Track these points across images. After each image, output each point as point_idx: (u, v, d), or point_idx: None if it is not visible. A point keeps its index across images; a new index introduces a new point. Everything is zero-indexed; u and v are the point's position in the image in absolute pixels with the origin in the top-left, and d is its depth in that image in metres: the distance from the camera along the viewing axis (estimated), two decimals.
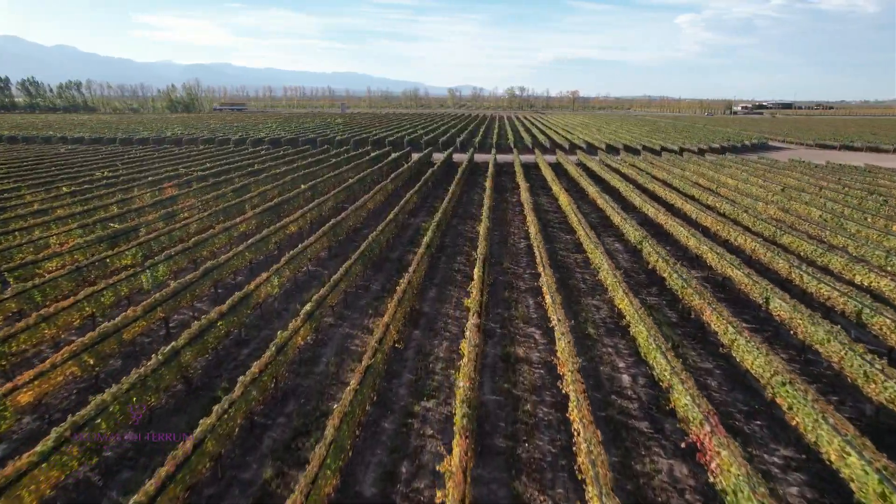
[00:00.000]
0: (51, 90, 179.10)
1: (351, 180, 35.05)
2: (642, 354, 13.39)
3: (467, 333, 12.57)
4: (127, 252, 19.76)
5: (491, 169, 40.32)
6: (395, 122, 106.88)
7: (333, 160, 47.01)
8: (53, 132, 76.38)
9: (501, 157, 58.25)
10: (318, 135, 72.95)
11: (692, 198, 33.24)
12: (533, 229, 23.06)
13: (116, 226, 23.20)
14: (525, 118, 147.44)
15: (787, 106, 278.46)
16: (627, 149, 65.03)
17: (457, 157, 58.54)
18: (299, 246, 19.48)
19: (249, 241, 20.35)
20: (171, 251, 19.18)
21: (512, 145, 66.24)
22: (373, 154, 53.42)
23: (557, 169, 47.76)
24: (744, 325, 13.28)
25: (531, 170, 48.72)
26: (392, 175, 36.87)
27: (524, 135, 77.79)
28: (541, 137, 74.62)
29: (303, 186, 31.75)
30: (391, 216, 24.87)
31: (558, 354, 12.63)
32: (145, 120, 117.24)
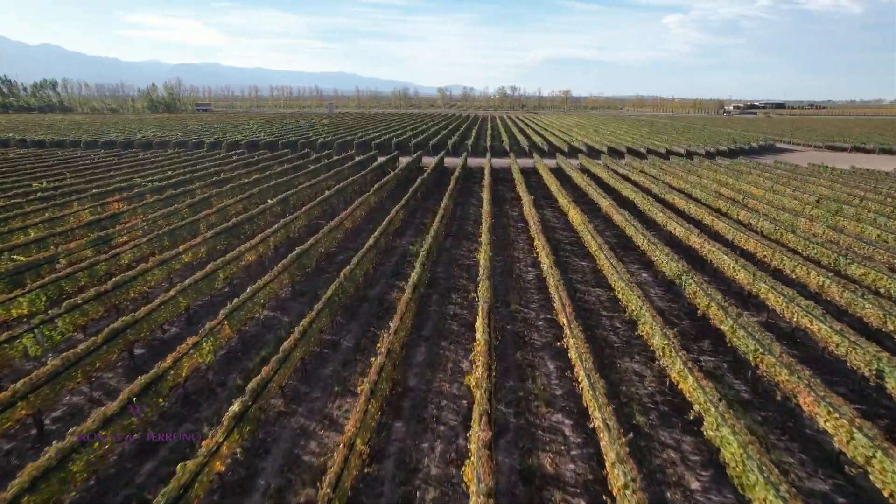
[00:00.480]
0: (25, 90, 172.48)
1: (329, 192, 30.55)
2: (729, 473, 9.08)
3: (472, 447, 8.27)
4: (23, 297, 15.18)
5: (487, 177, 36.02)
6: (383, 123, 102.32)
7: (312, 167, 42.45)
8: (15, 134, 71.04)
9: (497, 162, 53.95)
10: (301, 137, 68.25)
11: (720, 212, 29.05)
12: (545, 258, 18.78)
13: (21, 258, 18.52)
14: (518, 118, 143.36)
15: (780, 105, 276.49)
16: (631, 151, 60.96)
17: (448, 161, 54.19)
18: (248, 290, 15.00)
19: (187, 281, 15.85)
20: (79, 298, 14.65)
21: (508, 148, 61.94)
22: (357, 159, 48.93)
23: (560, 175, 43.52)
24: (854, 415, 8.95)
25: (531, 176, 44.44)
26: (376, 185, 32.45)
27: (519, 137, 73.54)
28: (537, 139, 70.40)
29: (271, 201, 27.21)
30: (372, 239, 20.51)
31: (608, 478, 8.37)
32: (121, 121, 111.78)
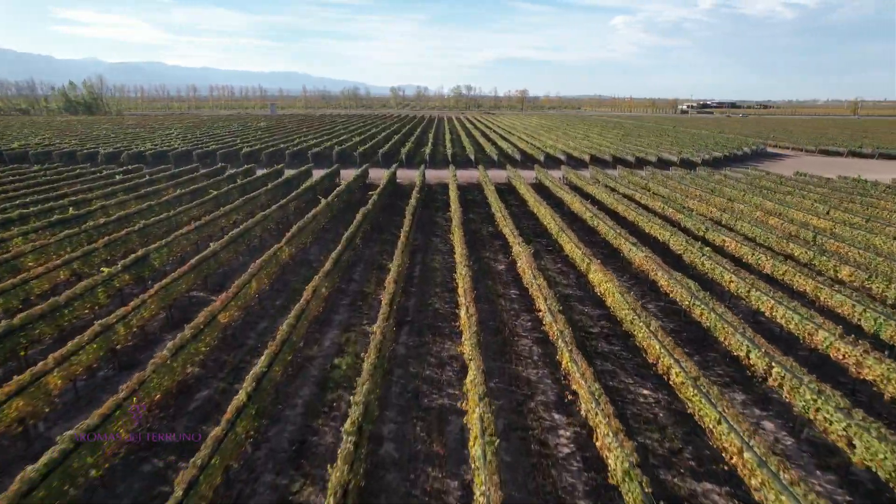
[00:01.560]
0: None
1: (216, 245, 19.80)
2: None
3: None
4: None
5: (455, 205, 26.20)
6: (328, 127, 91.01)
7: (215, 192, 31.50)
8: None
9: (462, 175, 44.16)
10: (223, 146, 56.66)
11: (808, 267, 19.99)
12: (581, 387, 9.18)
13: None
14: (476, 119, 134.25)
15: (734, 105, 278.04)
16: (618, 160, 52.27)
17: (403, 175, 44.06)
18: None
19: None
20: None
21: (473, 158, 52.18)
22: (286, 175, 38.30)
23: (546, 195, 34.11)
24: None
25: (508, 198, 34.90)
26: (298, 224, 22.13)
27: (483, 142, 63.95)
28: (505, 146, 60.97)
29: (106, 271, 16.35)
30: (264, 364, 10.30)
31: None
32: (16, 123, 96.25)
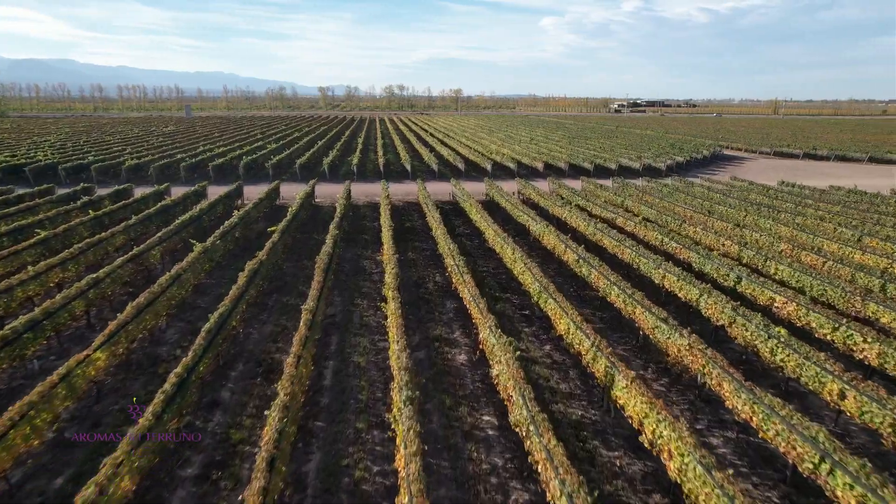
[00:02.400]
0: None
1: None
2: None
3: None
4: None
5: (388, 240, 18.68)
6: (244, 131, 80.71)
7: (42, 231, 22.34)
8: None
9: (397, 190, 36.53)
10: (108, 156, 46.43)
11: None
12: None
13: None
14: (410, 121, 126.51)
15: (663, 104, 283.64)
16: (574, 168, 46.13)
17: (325, 190, 35.94)
18: None
19: None
20: None
21: (409, 167, 44.54)
22: (171, 198, 29.31)
23: (505, 220, 27.10)
24: None
25: (457, 224, 27.61)
26: (143, 298, 13.96)
27: (419, 148, 56.35)
28: (444, 152, 53.63)
29: None
30: None
31: None
32: None
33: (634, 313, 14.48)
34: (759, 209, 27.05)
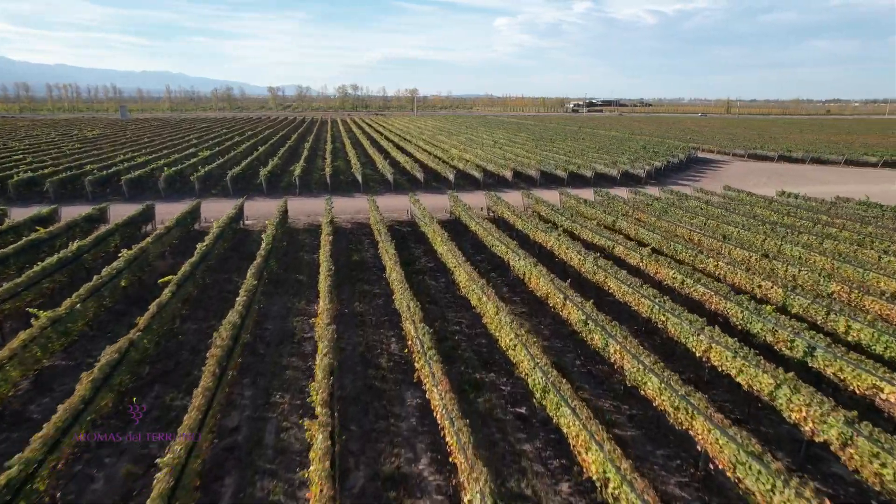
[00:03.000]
0: None
1: None
2: None
3: None
4: None
5: (325, 295, 13.47)
6: (181, 135, 72.94)
7: None
8: None
9: (345, 206, 31.01)
10: None
11: None
12: None
13: None
14: (364, 122, 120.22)
15: (619, 104, 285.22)
16: (546, 176, 41.48)
17: (258, 209, 29.96)
18: None
19: None
20: None
21: (360, 178, 38.90)
22: (58, 224, 22.82)
23: (477, 248, 21.96)
24: None
25: (420, 258, 22.21)
26: None
27: (373, 154, 50.65)
28: (401, 159, 48.10)
29: None
30: None
31: None
32: None
33: (693, 426, 9.50)
34: (775, 229, 22.79)
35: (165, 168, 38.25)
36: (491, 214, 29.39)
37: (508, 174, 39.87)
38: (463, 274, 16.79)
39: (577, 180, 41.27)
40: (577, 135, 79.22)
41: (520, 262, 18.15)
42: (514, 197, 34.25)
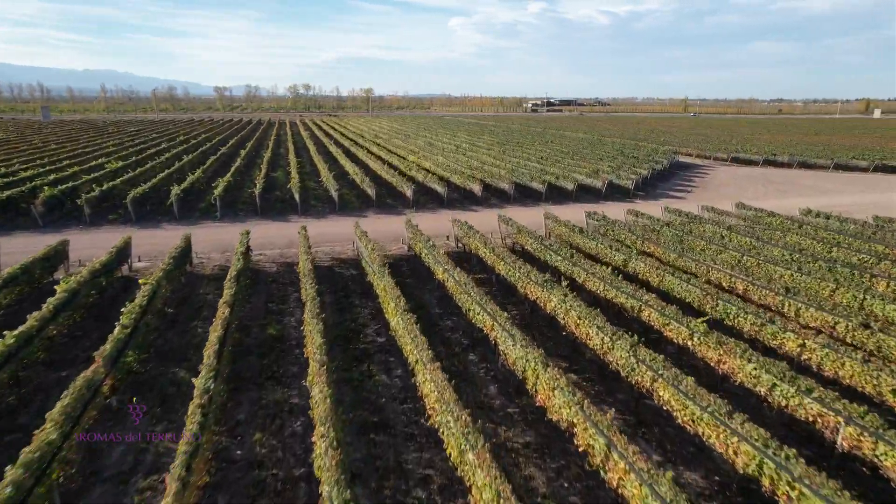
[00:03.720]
0: None
1: None
2: None
3: None
4: None
5: (322, 410, 6.36)
6: (99, 141, 63.83)
7: None
8: None
9: (271, 236, 24.04)
10: None
11: None
12: None
13: None
14: (315, 123, 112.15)
15: (579, 104, 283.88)
16: (522, 189, 35.48)
17: (156, 243, 22.61)
18: None
19: None
20: None
21: (297, 196, 31.85)
22: None
23: (450, 311, 15.63)
24: None
25: (356, 320, 15.52)
26: None
27: (318, 163, 43.53)
28: (350, 169, 41.13)
29: None
30: None
31: None
32: None
33: None
34: (834, 269, 17.24)
35: (46, 188, 30.23)
36: (460, 247, 23.02)
37: (476, 188, 33.57)
38: (426, 379, 10.32)
39: (556, 194, 35.41)
40: (544, 136, 73.83)
41: (516, 352, 11.79)
42: (486, 218, 28.10)
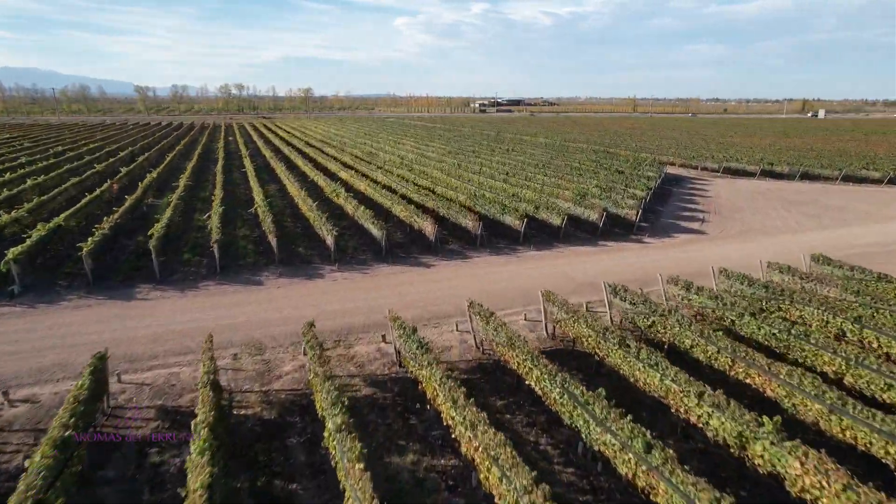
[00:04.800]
0: None
1: None
2: None
3: None
4: None
5: None
6: None
7: None
8: None
9: (136, 341, 12.91)
10: None
11: None
12: None
13: None
14: (244, 127, 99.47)
15: (528, 104, 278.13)
16: (490, 224, 25.67)
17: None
18: None
19: None
20: None
21: (216, 255, 20.86)
22: None
23: None
24: None
25: None
26: None
27: (217, 186, 32.44)
28: (259, 198, 30.26)
29: None
30: None
31: None
32: None
33: None
34: None
35: None
36: (485, 355, 12.93)
37: (430, 228, 23.55)
38: None
39: (537, 229, 25.96)
40: (501, 142, 64.57)
41: None
42: (448, 277, 18.37)
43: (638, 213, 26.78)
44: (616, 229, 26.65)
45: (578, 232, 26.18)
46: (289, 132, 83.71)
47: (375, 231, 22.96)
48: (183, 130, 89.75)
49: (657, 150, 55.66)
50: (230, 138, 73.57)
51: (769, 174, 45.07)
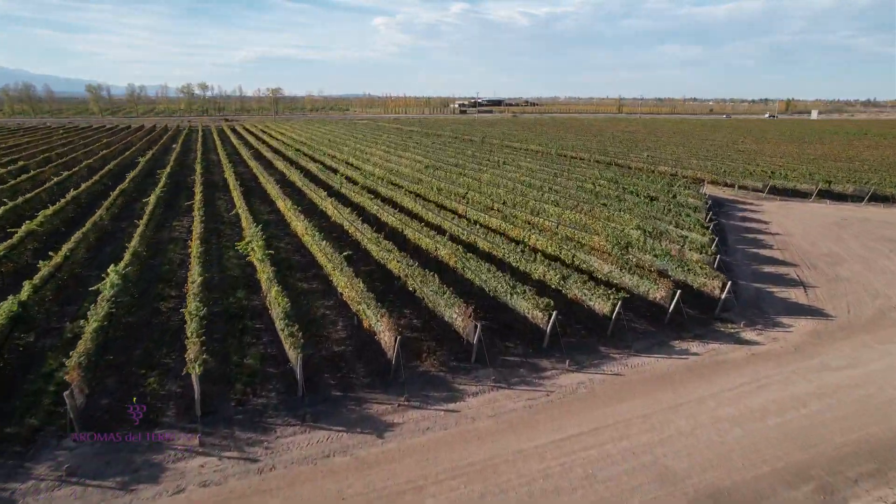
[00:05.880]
0: None
1: None
2: None
3: None
4: None
5: None
6: None
7: None
8: None
9: None
10: None
11: None
12: None
13: None
14: (203, 132, 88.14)
15: (509, 104, 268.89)
16: (493, 309, 15.41)
17: None
18: None
19: None
20: None
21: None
22: None
23: None
24: None
25: None
26: None
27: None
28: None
29: None
30: None
31: None
32: None
33: None
34: None
35: None
36: None
37: (388, 337, 13.41)
38: None
39: (565, 312, 16.04)
40: (489, 152, 54.51)
41: None
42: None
43: (725, 286, 16.84)
44: (687, 308, 16.87)
45: (631, 315, 16.36)
46: (239, 137, 72.72)
47: (297, 370, 12.72)
48: (131, 136, 77.89)
49: (676, 163, 45.85)
50: (178, 149, 62.37)
51: (827, 194, 35.98)
